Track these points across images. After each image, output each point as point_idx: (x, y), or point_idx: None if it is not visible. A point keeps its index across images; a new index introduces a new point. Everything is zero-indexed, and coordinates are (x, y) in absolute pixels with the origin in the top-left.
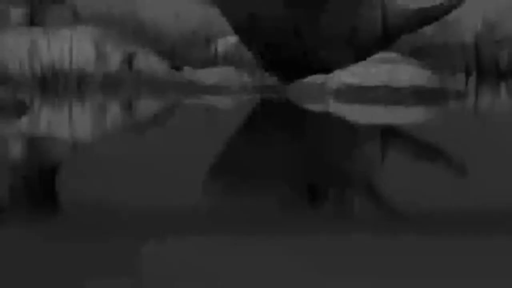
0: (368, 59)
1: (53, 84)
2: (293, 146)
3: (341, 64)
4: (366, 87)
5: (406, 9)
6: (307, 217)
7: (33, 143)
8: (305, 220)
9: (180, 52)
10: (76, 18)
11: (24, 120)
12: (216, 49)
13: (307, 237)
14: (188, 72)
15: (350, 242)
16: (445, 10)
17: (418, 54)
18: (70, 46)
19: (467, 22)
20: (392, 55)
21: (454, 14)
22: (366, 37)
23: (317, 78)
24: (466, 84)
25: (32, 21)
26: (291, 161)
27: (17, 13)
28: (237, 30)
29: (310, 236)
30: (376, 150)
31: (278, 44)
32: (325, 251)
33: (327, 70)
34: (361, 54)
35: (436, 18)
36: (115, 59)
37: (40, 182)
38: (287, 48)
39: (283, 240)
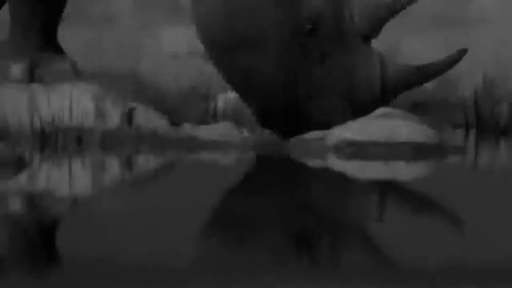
0: (368, 115)
1: (53, 140)
2: (292, 201)
3: (339, 121)
4: (366, 143)
5: (405, 66)
6: (303, 271)
7: (32, 198)
8: (301, 274)
9: (180, 108)
10: (76, 75)
11: (24, 176)
12: (215, 105)
13: None
14: (187, 128)
15: None
16: (443, 68)
17: (418, 109)
18: (70, 102)
19: (467, 78)
20: (391, 110)
21: (454, 70)
22: (365, 95)
23: (317, 134)
24: (466, 139)
25: (32, 77)
26: (290, 215)
27: (17, 69)
28: (234, 88)
29: None
30: (375, 205)
31: (274, 101)
32: None
33: (326, 126)
34: (359, 111)
35: (435, 75)
36: (114, 115)
37: (39, 238)
38: (284, 105)
39: None
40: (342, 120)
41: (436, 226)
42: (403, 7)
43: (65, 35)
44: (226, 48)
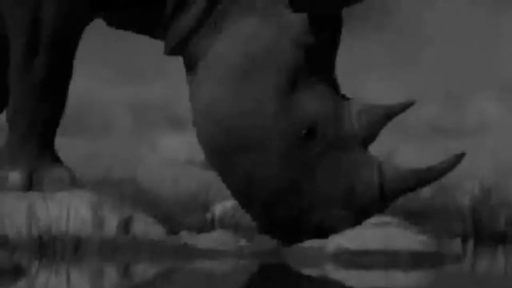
0: (365, 223)
1: (51, 248)
2: None
3: (339, 227)
4: (363, 252)
5: (403, 170)
6: None
7: None
8: None
9: (178, 216)
10: (74, 183)
11: (22, 284)
12: (213, 214)
13: None
14: (185, 237)
15: None
16: (440, 172)
17: (415, 218)
18: (67, 210)
19: (464, 185)
20: (388, 219)
21: (451, 178)
22: (364, 199)
23: (315, 242)
24: (463, 247)
25: (30, 185)
26: None
27: (14, 177)
28: (234, 192)
29: None
30: None
31: (275, 207)
32: None
33: (326, 234)
34: (358, 215)
35: (434, 179)
36: (112, 223)
37: None
38: (284, 208)
39: None
40: (342, 226)
41: None
42: (400, 111)
43: (64, 145)
44: (226, 152)
